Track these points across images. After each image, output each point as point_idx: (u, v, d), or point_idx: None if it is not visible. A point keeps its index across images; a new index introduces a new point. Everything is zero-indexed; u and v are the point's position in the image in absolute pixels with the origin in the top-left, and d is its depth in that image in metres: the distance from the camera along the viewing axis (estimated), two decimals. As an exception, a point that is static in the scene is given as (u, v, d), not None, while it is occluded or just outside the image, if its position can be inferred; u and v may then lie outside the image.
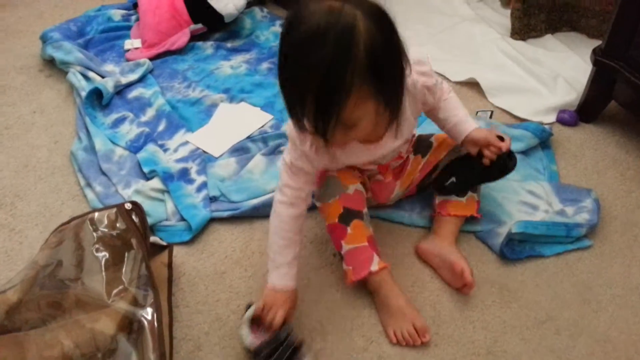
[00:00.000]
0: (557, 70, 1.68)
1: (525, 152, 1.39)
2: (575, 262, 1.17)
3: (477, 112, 1.52)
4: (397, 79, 0.86)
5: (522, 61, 1.72)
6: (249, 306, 1.00)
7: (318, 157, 0.99)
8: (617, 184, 1.35)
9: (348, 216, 1.05)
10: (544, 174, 1.35)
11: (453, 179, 1.16)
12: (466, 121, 1.09)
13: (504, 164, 1.09)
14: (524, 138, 1.39)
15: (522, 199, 1.27)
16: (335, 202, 1.06)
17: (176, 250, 1.18)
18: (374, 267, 1.04)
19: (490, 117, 1.50)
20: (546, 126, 1.44)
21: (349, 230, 1.05)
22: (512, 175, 1.31)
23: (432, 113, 1.11)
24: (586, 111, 1.52)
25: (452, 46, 1.84)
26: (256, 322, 0.99)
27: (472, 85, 1.66)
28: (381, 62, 0.80)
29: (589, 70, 1.48)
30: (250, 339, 0.97)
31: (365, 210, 1.08)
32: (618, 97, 1.43)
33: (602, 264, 1.17)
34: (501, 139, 1.07)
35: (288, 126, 0.98)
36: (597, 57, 1.39)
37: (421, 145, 1.20)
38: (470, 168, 1.13)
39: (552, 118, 1.53)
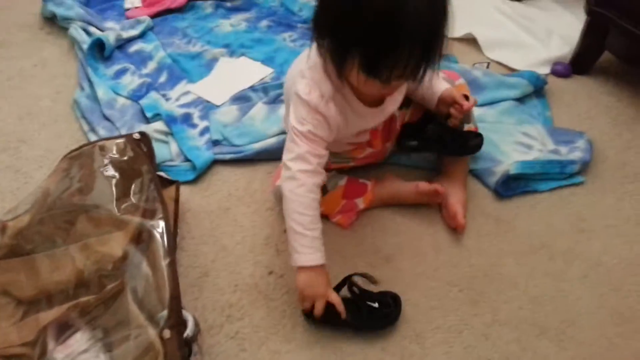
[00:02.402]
0: (551, 28, 1.72)
1: (520, 100, 1.43)
2: (568, 196, 1.21)
3: (474, 64, 1.56)
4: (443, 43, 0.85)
5: (517, 19, 1.76)
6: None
7: (338, 120, 0.96)
8: (609, 128, 1.39)
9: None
10: (538, 119, 1.39)
11: (415, 142, 1.17)
12: (439, 83, 1.10)
13: (465, 139, 1.13)
14: (519, 85, 1.43)
15: (517, 139, 1.31)
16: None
17: (181, 188, 1.20)
18: (360, 206, 1.12)
19: (487, 67, 1.53)
20: (541, 75, 1.48)
21: (320, 209, 0.98)
22: (506, 119, 1.36)
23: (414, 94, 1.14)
24: (579, 63, 1.55)
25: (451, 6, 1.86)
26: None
27: (470, 41, 1.69)
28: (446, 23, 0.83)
29: (581, 27, 1.51)
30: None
31: (326, 180, 1.05)
32: (611, 47, 1.47)
33: (595, 198, 1.21)
34: (467, 98, 1.09)
35: (303, 93, 0.94)
36: (591, 6, 1.43)
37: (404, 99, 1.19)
38: (435, 133, 1.14)
39: (546, 70, 1.57)
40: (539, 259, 1.09)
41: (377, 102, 1.01)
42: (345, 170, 1.20)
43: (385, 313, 0.96)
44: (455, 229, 1.13)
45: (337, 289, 0.96)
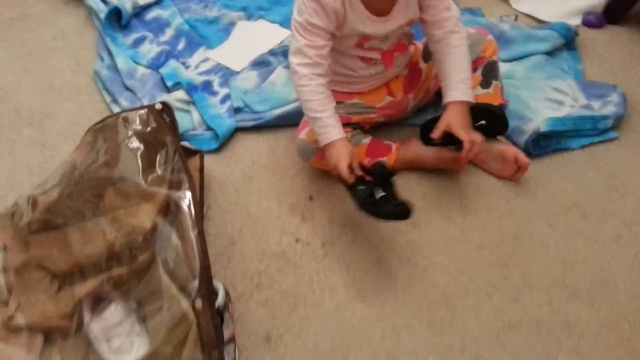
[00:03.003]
0: (582, -25, 1.63)
1: (550, 53, 1.37)
2: (601, 153, 1.17)
3: (500, 17, 1.50)
4: None
5: (545, -33, 1.67)
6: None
7: (335, 6, 0.97)
8: (644, 80, 1.33)
9: None
10: (569, 73, 1.34)
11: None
12: (455, 87, 1.03)
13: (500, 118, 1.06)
14: (550, 38, 1.37)
15: (548, 95, 1.26)
16: (315, 160, 1.11)
17: (205, 157, 1.20)
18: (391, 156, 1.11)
19: (515, 20, 1.47)
20: (572, 26, 1.41)
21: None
22: (536, 74, 1.31)
23: (434, 57, 1.09)
24: (612, 12, 1.48)
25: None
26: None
27: (495, -8, 1.63)
28: None
29: (615, -26, 1.44)
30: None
31: (349, 135, 1.09)
32: (647, -7, 1.39)
33: (628, 154, 1.17)
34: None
35: None
36: (626, -50, 1.35)
37: (429, 53, 1.17)
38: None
39: (577, 21, 1.50)
40: (570, 219, 1.06)
41: (384, 10, 1.01)
42: (369, 130, 1.18)
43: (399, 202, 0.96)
44: (516, 174, 1.11)
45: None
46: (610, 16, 1.49)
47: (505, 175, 1.13)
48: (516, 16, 1.50)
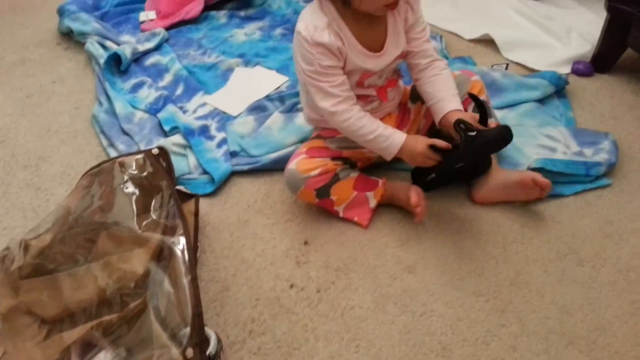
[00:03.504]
0: (570, 25, 1.69)
1: (541, 101, 1.40)
2: (595, 200, 1.18)
3: (492, 65, 1.53)
4: None
5: (535, 18, 1.73)
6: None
7: (338, 45, 1.02)
8: (634, 127, 1.35)
9: (323, 191, 1.11)
10: (560, 120, 1.36)
11: (432, 174, 1.14)
12: (449, 100, 1.08)
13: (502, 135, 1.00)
14: (540, 86, 1.40)
15: (541, 142, 1.28)
16: (302, 191, 1.11)
17: (200, 201, 1.20)
18: (372, 204, 1.15)
19: (506, 68, 1.51)
20: (562, 75, 1.45)
21: (332, 197, 1.13)
22: (529, 122, 1.33)
23: (419, 84, 1.15)
24: (601, 61, 1.52)
25: (466, 6, 1.85)
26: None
27: (487, 42, 1.67)
28: None
29: (602, 24, 1.48)
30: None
31: (338, 169, 1.12)
32: (633, 44, 1.43)
33: (622, 201, 1.17)
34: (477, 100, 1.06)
35: (302, 29, 1.02)
36: (611, 2, 1.39)
37: (416, 93, 1.20)
38: (450, 157, 1.05)
39: (567, 69, 1.54)
40: (566, 266, 1.06)
41: (376, 46, 1.07)
42: (358, 167, 1.21)
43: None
44: (541, 194, 1.13)
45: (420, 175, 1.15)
46: (598, 65, 1.53)
47: (531, 198, 1.15)
48: (507, 65, 1.53)
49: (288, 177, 1.13)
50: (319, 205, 1.15)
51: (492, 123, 1.16)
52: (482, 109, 1.04)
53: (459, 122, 1.00)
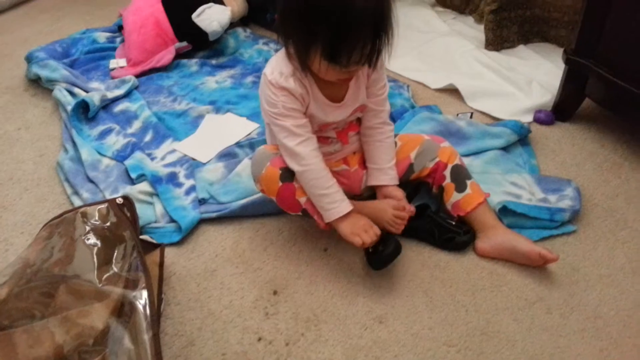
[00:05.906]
0: (531, 76, 1.75)
1: (505, 149, 1.44)
2: (561, 246, 1.19)
3: (457, 114, 1.57)
4: (390, 38, 0.98)
5: (497, 69, 1.79)
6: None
7: (302, 93, 1.05)
8: (595, 175, 1.39)
9: (288, 172, 1.10)
10: (524, 167, 1.39)
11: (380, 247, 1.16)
12: (385, 172, 1.18)
13: (452, 236, 1.18)
14: (503, 135, 1.43)
15: (506, 189, 1.30)
16: (268, 168, 1.12)
17: (166, 250, 1.17)
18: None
19: (471, 117, 1.55)
20: (524, 124, 1.49)
21: (295, 184, 1.10)
22: (493, 168, 1.36)
23: (363, 140, 1.21)
24: (561, 110, 1.57)
25: (431, 57, 1.91)
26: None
27: (452, 91, 1.72)
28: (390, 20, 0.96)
29: (560, 75, 1.55)
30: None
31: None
32: (591, 94, 1.49)
33: (587, 247, 1.19)
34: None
35: (268, 73, 1.06)
36: (569, 55, 1.46)
37: None
38: (427, 225, 1.20)
39: (529, 118, 1.59)
40: (535, 314, 1.06)
41: (337, 97, 1.11)
42: None
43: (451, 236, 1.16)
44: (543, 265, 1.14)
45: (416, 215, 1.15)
46: (559, 114, 1.58)
47: (535, 265, 1.14)
48: (472, 114, 1.57)
49: (255, 156, 1.16)
50: (281, 194, 1.12)
51: (472, 185, 1.20)
52: (416, 190, 1.24)
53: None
